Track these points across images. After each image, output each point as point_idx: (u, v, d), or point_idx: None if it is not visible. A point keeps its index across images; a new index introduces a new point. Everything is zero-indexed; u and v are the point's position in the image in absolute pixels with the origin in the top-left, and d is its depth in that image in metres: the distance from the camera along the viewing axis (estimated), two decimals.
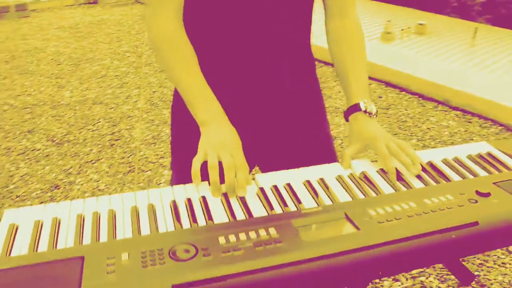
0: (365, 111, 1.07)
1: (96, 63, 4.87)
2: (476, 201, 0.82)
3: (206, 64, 1.08)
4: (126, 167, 2.93)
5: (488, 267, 2.07)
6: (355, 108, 1.09)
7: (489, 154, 1.04)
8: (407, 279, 2.04)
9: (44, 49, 5.37)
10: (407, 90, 4.08)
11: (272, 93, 1.16)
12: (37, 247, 0.75)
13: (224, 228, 0.76)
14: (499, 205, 0.82)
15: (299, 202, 0.85)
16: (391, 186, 0.92)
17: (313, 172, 0.96)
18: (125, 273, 0.66)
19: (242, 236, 0.73)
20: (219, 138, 0.96)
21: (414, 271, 2.07)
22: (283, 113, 1.19)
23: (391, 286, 2.00)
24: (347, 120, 1.12)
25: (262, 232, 0.73)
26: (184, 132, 1.17)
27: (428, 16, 6.51)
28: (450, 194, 0.84)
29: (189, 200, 0.86)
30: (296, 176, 0.94)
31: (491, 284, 1.99)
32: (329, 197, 0.88)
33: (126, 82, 4.36)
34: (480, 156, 1.03)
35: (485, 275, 2.03)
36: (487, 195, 0.84)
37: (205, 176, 0.90)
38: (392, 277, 2.04)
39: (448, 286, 2.01)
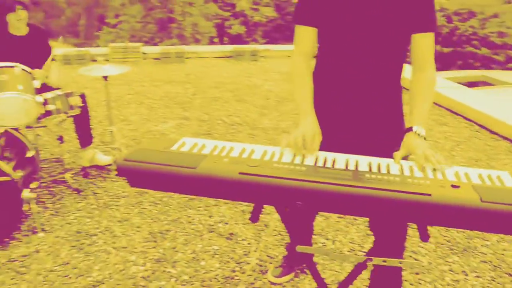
0: (415, 132, 1.54)
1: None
2: (443, 187, 1.23)
3: (325, 84, 1.74)
4: None
5: None
6: (410, 129, 1.57)
7: (498, 176, 1.38)
8: None
9: (260, 87, 6.56)
10: None
11: (362, 107, 1.73)
12: (191, 151, 1.46)
13: (285, 163, 1.35)
14: (458, 192, 1.21)
15: (333, 165, 1.39)
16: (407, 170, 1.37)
17: (357, 158, 1.47)
18: (222, 163, 1.31)
19: (290, 164, 1.31)
20: (303, 126, 1.58)
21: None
22: (368, 124, 1.73)
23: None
24: (403, 135, 1.60)
25: (301, 168, 1.31)
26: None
27: None
28: (430, 181, 1.27)
29: (275, 151, 1.48)
30: (347, 157, 1.47)
31: None
32: (355, 166, 1.39)
33: None
34: (488, 176, 1.38)
35: None
36: (456, 187, 1.24)
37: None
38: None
39: None
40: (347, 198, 1.23)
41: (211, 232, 2.87)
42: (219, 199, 3.25)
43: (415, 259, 2.57)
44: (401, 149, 1.53)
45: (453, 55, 25.08)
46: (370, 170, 1.38)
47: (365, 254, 1.46)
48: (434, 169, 1.39)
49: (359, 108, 1.76)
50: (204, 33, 27.14)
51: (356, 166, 1.40)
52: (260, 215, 2.95)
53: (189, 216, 3.05)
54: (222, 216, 3.05)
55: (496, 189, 1.25)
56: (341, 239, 2.78)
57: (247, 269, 2.50)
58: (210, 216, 3.05)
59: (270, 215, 3.05)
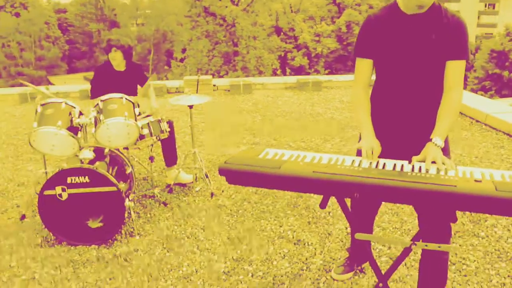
0: (433, 142, 1.95)
1: (357, 130, 6.15)
2: (468, 181, 1.61)
3: (379, 105, 2.19)
4: None
5: None
6: (430, 140, 1.97)
7: None
8: None
9: (323, 114, 6.99)
10: None
11: (411, 119, 2.18)
12: (274, 158, 1.92)
13: (346, 165, 1.78)
14: (479, 185, 1.58)
15: (384, 167, 1.80)
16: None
17: (403, 162, 1.88)
18: (299, 165, 1.76)
19: (350, 166, 1.75)
20: (365, 141, 2.03)
21: None
22: (416, 133, 2.14)
23: None
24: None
25: (359, 168, 1.74)
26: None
27: None
28: (459, 178, 1.65)
29: (338, 158, 1.91)
30: (395, 161, 1.88)
31: None
32: (400, 168, 1.79)
33: None
34: (509, 175, 1.73)
35: None
36: (479, 181, 1.61)
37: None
38: None
39: None
40: (392, 189, 1.64)
41: (281, 238, 3.30)
42: (288, 212, 3.69)
43: (464, 264, 2.86)
44: (420, 155, 1.94)
45: None
46: (413, 170, 1.78)
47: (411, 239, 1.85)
48: (438, 169, 1.79)
49: (410, 120, 2.19)
50: (268, 65, 28.18)
51: (402, 167, 1.81)
52: (324, 226, 3.35)
53: (262, 225, 3.50)
54: (291, 226, 3.47)
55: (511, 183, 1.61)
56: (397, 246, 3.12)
57: (313, 268, 2.90)
58: (280, 226, 3.48)
59: (333, 225, 3.44)
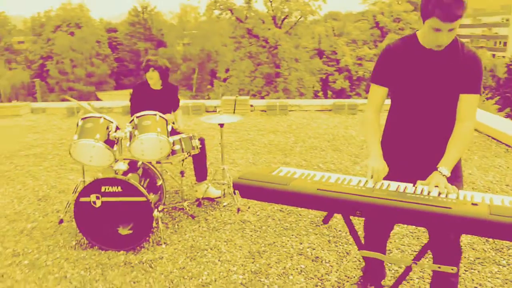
0: (439, 171, 2.03)
1: None
2: (465, 204, 1.69)
3: (392, 131, 2.29)
4: None
5: None
6: (436, 168, 2.05)
7: None
8: None
9: (355, 137, 7.04)
10: None
11: (424, 146, 2.26)
12: (286, 175, 2.06)
13: (351, 185, 1.90)
14: (474, 208, 1.66)
15: (387, 188, 1.90)
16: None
17: (406, 184, 1.97)
18: (306, 183, 1.89)
19: (355, 186, 1.86)
20: (372, 161, 2.12)
21: None
22: (428, 159, 2.21)
23: None
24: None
25: (362, 188, 1.84)
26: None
27: None
28: (457, 201, 1.73)
29: (345, 178, 2.03)
30: (399, 183, 1.97)
31: None
32: (403, 189, 1.89)
33: None
34: (509, 201, 1.79)
35: None
36: (475, 204, 1.69)
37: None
38: None
39: None
40: (392, 209, 1.73)
41: (300, 255, 3.40)
42: (310, 230, 3.79)
43: None
44: (425, 180, 2.02)
45: None
46: (414, 192, 1.87)
47: (412, 259, 1.92)
48: (439, 192, 1.87)
49: (420, 148, 2.28)
50: (309, 87, 28.42)
51: (404, 189, 1.90)
52: (344, 245, 3.42)
53: (283, 242, 3.61)
54: (311, 243, 3.57)
55: (508, 208, 1.67)
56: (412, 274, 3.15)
57: (327, 285, 2.98)
58: (300, 243, 3.58)
59: (352, 245, 3.50)
